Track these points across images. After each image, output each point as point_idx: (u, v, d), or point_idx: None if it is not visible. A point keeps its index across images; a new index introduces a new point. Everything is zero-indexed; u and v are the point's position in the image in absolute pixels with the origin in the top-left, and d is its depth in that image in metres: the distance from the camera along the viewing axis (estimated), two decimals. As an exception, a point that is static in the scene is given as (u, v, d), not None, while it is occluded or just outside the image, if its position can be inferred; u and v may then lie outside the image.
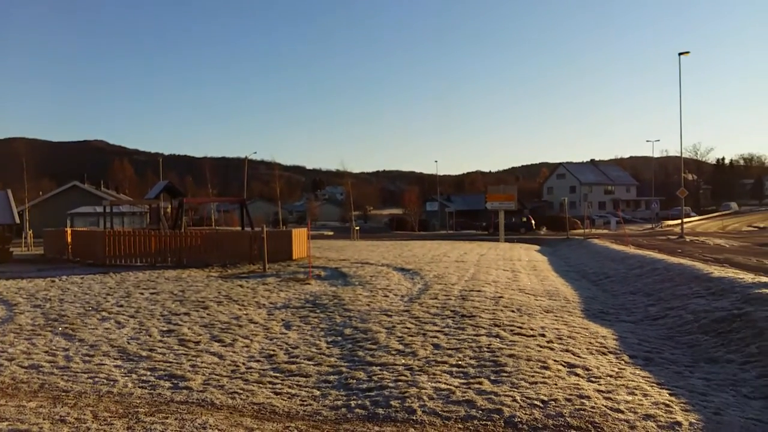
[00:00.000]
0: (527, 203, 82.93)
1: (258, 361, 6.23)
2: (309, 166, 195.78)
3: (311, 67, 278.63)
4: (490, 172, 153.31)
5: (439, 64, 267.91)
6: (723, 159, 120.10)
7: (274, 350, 6.65)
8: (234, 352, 6.63)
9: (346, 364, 5.97)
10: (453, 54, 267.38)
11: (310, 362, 6.09)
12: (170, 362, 6.16)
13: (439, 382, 5.19)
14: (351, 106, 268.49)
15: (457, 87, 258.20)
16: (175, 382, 5.46)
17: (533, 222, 51.79)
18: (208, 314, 8.90)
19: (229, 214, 69.53)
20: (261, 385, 5.35)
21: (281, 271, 14.61)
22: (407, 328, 7.56)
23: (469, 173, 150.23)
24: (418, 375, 5.43)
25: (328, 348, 6.72)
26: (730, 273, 11.35)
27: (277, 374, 5.69)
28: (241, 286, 12.01)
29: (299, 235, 18.61)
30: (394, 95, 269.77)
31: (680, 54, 33.81)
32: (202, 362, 6.16)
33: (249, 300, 10.19)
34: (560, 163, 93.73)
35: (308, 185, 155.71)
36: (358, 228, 44.24)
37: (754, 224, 57.46)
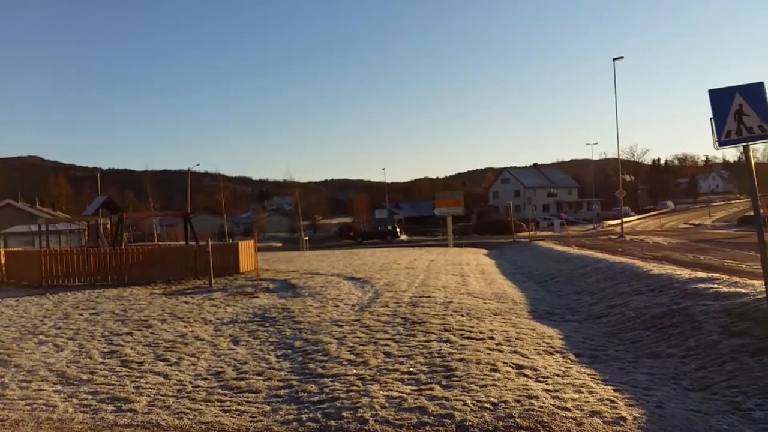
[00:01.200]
0: (474, 208, 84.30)
1: (205, 378, 6.07)
2: (255, 177, 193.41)
3: (254, 77, 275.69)
4: (437, 178, 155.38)
5: (386, 72, 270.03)
6: (659, 160, 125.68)
7: (222, 367, 6.49)
8: (180, 370, 6.44)
9: (296, 377, 5.89)
10: (399, 63, 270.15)
11: (260, 377, 5.97)
12: (113, 384, 5.92)
13: (391, 390, 5.18)
14: (296, 116, 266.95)
15: (403, 96, 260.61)
16: (119, 404, 5.25)
17: (398, 230, 53.87)
18: (151, 333, 8.62)
19: (172, 228, 67.82)
20: (209, 403, 5.20)
21: (228, 285, 14.32)
22: (358, 337, 7.53)
23: (417, 180, 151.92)
24: (369, 384, 5.40)
25: (278, 362, 6.61)
26: (668, 270, 11.82)
27: (226, 391, 5.55)
28: (186, 302, 11.70)
29: (246, 248, 18.28)
30: (341, 104, 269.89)
31: (615, 59, 35.27)
32: (146, 383, 5.95)
33: (195, 316, 9.93)
34: (505, 168, 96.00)
35: (255, 196, 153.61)
36: (307, 238, 43.92)
37: (689, 221, 60.25)
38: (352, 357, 6.51)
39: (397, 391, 5.15)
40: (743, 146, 6.76)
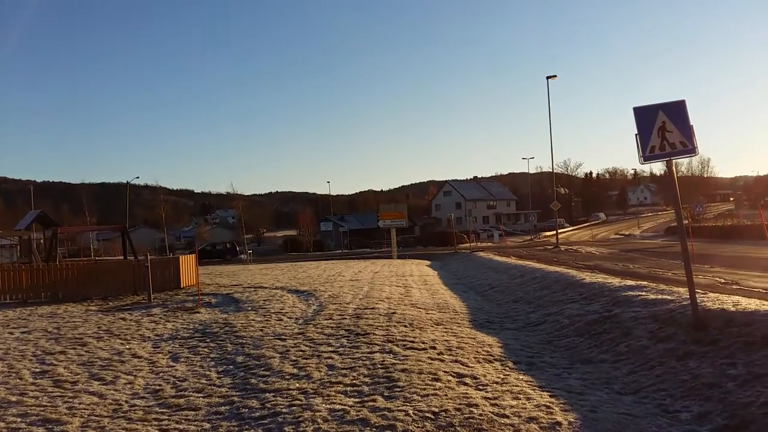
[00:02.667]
0: (417, 220, 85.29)
1: (143, 397, 5.90)
2: (198, 190, 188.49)
3: (195, 89, 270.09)
4: (382, 190, 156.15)
5: (330, 87, 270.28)
6: (591, 173, 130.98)
7: (160, 385, 6.33)
8: (116, 389, 6.23)
9: (238, 393, 5.81)
10: (342, 77, 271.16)
11: (200, 394, 5.86)
12: (44, 406, 5.67)
13: (334, 403, 5.20)
14: (240, 128, 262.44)
15: (347, 109, 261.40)
16: (50, 427, 5.04)
17: (237, 249, 50.01)
18: (86, 351, 8.30)
19: (110, 243, 65.40)
20: (146, 422, 5.07)
21: (168, 301, 13.95)
22: (302, 350, 7.50)
23: (362, 192, 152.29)
24: (312, 398, 5.40)
25: (218, 378, 6.50)
26: (600, 278, 12.34)
27: (164, 410, 5.42)
28: (123, 319, 11.33)
29: (187, 262, 17.88)
30: (283, 116, 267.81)
31: (548, 78, 36.74)
32: (80, 403, 5.73)
33: (132, 333, 9.63)
34: (446, 181, 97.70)
35: (197, 209, 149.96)
36: (251, 251, 43.19)
37: (620, 232, 62.98)
38: (295, 371, 6.48)
39: (339, 403, 5.17)
40: (666, 161, 7.16)
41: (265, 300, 12.90)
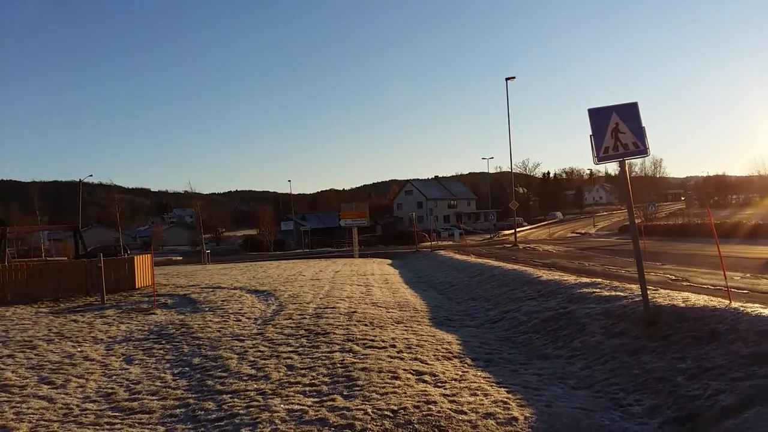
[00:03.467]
0: (379, 219, 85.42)
1: (95, 401, 5.73)
2: (154, 188, 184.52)
3: (151, 85, 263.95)
4: (343, 190, 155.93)
5: (290, 84, 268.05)
6: (548, 173, 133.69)
7: (113, 388, 6.16)
8: (67, 393, 6.03)
9: (194, 395, 5.70)
10: (302, 75, 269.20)
11: (154, 397, 5.72)
12: (-12, 413, 5.45)
13: (293, 403, 5.15)
14: (198, 126, 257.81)
15: (308, 107, 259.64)
16: (-6, 435, 4.84)
17: (128, 251, 47.58)
18: (36, 355, 8.01)
19: (62, 243, 63.32)
20: (98, 427, 4.92)
21: (122, 302, 13.60)
22: (260, 351, 7.41)
23: (324, 191, 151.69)
24: (270, 399, 5.33)
25: (174, 380, 6.36)
26: (556, 276, 12.59)
27: (117, 413, 5.27)
28: (75, 321, 10.98)
29: (143, 262, 17.47)
30: (242, 114, 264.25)
31: (507, 79, 37.32)
32: (28, 408, 5.52)
33: (85, 335, 9.35)
34: (408, 180, 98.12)
35: (154, 208, 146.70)
36: (209, 251, 42.52)
37: (576, 230, 64.38)
38: (253, 372, 6.39)
39: (298, 404, 5.12)
40: (620, 161, 7.34)
41: (223, 300, 12.70)
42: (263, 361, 6.83)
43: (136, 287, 16.44)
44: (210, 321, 10.04)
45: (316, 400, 5.23)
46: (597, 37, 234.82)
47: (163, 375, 6.61)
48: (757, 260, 16.64)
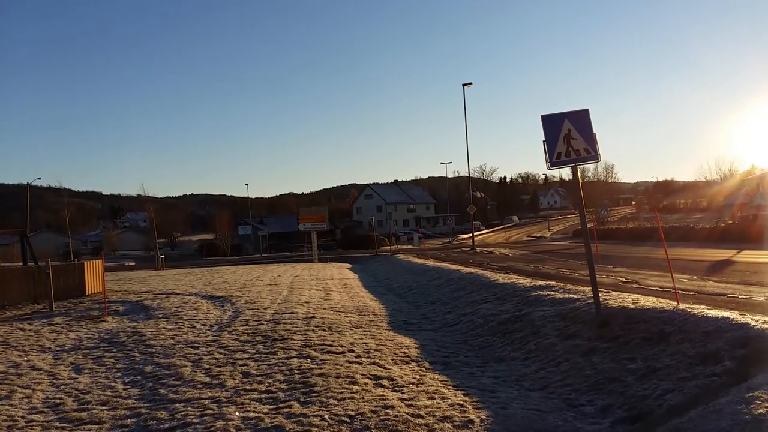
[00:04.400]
0: (339, 223, 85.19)
1: (41, 412, 5.51)
2: (106, 192, 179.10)
3: (104, 87, 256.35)
4: (302, 193, 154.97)
5: (248, 87, 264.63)
6: (505, 178, 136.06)
7: (61, 398, 5.94)
8: (11, 404, 5.78)
9: (146, 404, 5.54)
10: (259, 77, 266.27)
11: (104, 407, 5.54)
12: (-77, 429, 5.18)
13: (248, 411, 5.06)
14: (152, 128, 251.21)
15: (265, 111, 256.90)
16: (-71, 451, 4.61)
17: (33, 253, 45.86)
18: (-24, 366, 7.66)
19: (7, 248, 60.75)
20: (43, 440, 4.73)
21: (72, 309, 13.15)
22: (215, 358, 7.27)
23: (282, 195, 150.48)
24: (225, 407, 5.23)
25: (125, 389, 6.18)
26: (512, 279, 12.79)
27: (65, 424, 5.08)
28: (21, 329, 10.56)
29: (93, 268, 16.94)
30: (197, 115, 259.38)
31: (464, 85, 37.88)
32: (-33, 423, 5.27)
33: (31, 344, 9.00)
34: (367, 185, 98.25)
35: (106, 212, 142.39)
36: (163, 256, 41.59)
37: (532, 234, 65.67)
38: (207, 379, 6.26)
39: (254, 411, 5.04)
40: (572, 167, 7.52)
41: (177, 307, 12.43)
42: (218, 369, 6.70)
43: (87, 294, 15.95)
44: (163, 328, 9.80)
45: (272, 407, 5.16)
46: (551, 44, 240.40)
47: (113, 384, 6.41)
48: (704, 263, 17.27)
